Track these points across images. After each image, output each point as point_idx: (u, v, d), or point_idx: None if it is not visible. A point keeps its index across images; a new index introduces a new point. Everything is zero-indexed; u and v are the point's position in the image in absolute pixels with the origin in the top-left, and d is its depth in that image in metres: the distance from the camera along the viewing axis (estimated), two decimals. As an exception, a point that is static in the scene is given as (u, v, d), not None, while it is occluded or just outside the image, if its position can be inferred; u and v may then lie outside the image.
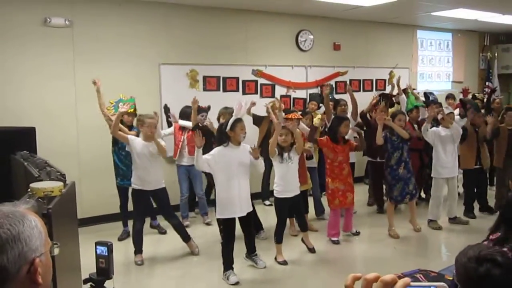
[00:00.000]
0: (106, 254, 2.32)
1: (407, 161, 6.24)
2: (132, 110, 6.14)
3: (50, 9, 6.42)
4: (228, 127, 4.79)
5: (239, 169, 4.84)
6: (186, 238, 5.71)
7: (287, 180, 5.38)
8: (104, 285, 2.37)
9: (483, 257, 1.80)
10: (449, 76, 11.31)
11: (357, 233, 6.32)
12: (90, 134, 6.76)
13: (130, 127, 6.24)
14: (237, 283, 4.87)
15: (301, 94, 8.76)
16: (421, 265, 4.68)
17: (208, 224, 6.87)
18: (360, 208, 7.50)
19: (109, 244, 2.33)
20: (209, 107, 6.82)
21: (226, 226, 4.92)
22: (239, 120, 4.83)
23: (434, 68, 10.97)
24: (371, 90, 9.59)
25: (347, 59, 9.30)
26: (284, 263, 5.41)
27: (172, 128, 6.61)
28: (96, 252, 2.32)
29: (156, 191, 5.48)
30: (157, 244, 6.17)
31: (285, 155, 5.36)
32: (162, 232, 6.50)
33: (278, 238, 5.50)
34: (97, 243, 2.32)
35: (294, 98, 8.60)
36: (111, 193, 6.81)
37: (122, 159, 6.22)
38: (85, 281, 2.42)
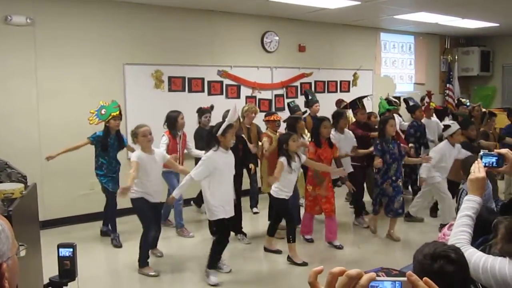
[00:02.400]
0: (71, 255, 2.31)
1: (401, 173, 6.27)
2: (117, 113, 5.96)
3: (11, 7, 6.28)
4: (220, 132, 4.76)
5: (229, 174, 4.93)
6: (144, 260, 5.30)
7: (288, 183, 5.45)
8: (66, 287, 2.35)
9: (438, 254, 1.88)
10: (412, 78, 11.56)
11: (340, 247, 5.98)
12: (52, 134, 6.64)
13: (118, 133, 6.09)
14: (216, 285, 4.87)
15: (267, 95, 8.82)
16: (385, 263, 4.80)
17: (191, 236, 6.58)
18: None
19: (74, 245, 2.32)
20: (212, 107, 6.74)
21: (220, 226, 4.96)
22: (231, 126, 4.81)
23: (397, 70, 11.20)
24: (336, 92, 9.75)
25: (312, 61, 9.40)
26: (304, 264, 5.40)
27: (166, 138, 6.23)
28: (58, 254, 2.30)
29: (157, 203, 5.35)
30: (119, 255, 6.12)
31: (294, 164, 5.36)
32: (118, 246, 6.10)
33: (294, 237, 5.46)
34: (59, 245, 2.31)
35: (259, 99, 8.66)
36: (75, 195, 6.77)
37: (108, 166, 6.06)
38: (45, 286, 2.40)
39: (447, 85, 11.88)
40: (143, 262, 5.22)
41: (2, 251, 1.19)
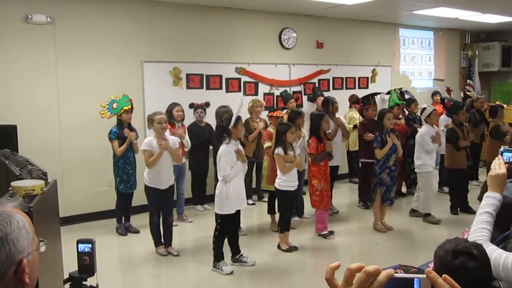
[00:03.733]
0: (90, 251, 2.33)
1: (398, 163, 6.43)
2: (129, 106, 6.16)
3: (31, 6, 6.36)
4: (232, 124, 4.96)
5: (242, 165, 5.11)
6: (167, 241, 5.71)
7: (290, 173, 5.58)
8: (86, 282, 2.37)
9: (459, 250, 1.85)
10: (431, 74, 11.42)
11: (332, 233, 6.23)
12: (73, 132, 6.73)
13: (130, 126, 6.27)
14: (231, 273, 5.06)
15: (285, 91, 8.78)
16: (402, 260, 4.78)
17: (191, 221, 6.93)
18: (343, 207, 7.63)
19: (93, 240, 2.34)
20: (207, 104, 6.90)
21: (225, 220, 5.10)
22: (240, 118, 5.09)
23: (416, 66, 11.07)
24: (354, 88, 9.68)
25: (330, 57, 9.35)
26: (290, 250, 5.68)
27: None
28: (77, 250, 2.32)
29: (169, 188, 5.61)
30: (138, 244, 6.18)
31: (290, 153, 5.54)
32: (136, 231, 6.42)
33: (284, 227, 5.72)
34: (78, 241, 2.33)
35: (277, 96, 8.63)
36: (94, 192, 6.86)
37: (122, 168, 6.23)
38: (65, 281, 2.42)
39: (467, 81, 11.73)
40: (156, 242, 5.65)
41: (23, 247, 1.20)
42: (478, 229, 2.15)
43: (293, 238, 5.92)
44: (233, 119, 4.97)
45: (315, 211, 6.28)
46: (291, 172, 5.58)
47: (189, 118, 7.16)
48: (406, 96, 8.50)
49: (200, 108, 7.03)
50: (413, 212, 6.97)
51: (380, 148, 6.22)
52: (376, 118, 6.89)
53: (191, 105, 7.01)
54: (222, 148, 4.99)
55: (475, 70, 11.80)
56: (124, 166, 6.23)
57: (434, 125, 6.82)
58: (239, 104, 5.07)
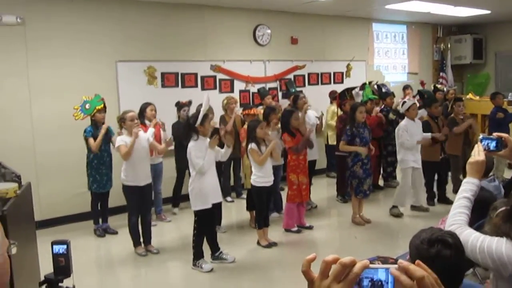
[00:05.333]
0: (65, 252, 2.29)
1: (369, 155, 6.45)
2: (102, 106, 6.13)
3: (0, 6, 6.24)
4: (198, 122, 4.96)
5: (212, 159, 5.09)
6: (146, 240, 5.71)
7: (265, 170, 5.62)
8: (62, 284, 2.34)
9: (435, 239, 1.88)
10: (405, 68, 11.56)
11: (311, 227, 6.34)
12: (46, 133, 6.64)
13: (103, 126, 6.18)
14: (211, 270, 5.07)
15: (261, 88, 8.78)
16: (381, 252, 4.82)
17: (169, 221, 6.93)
18: (322, 201, 7.68)
19: (67, 241, 2.31)
20: (190, 102, 6.88)
21: (203, 216, 5.09)
22: (207, 115, 5.08)
23: (390, 60, 11.19)
24: (329, 83, 9.74)
25: (305, 53, 9.39)
26: (269, 245, 5.73)
27: (153, 130, 6.23)
28: (52, 251, 2.28)
29: (147, 186, 5.58)
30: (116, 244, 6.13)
31: (263, 148, 5.57)
32: (114, 232, 6.39)
33: (261, 223, 5.76)
34: (53, 243, 2.29)
35: (253, 93, 8.64)
36: (71, 194, 6.77)
37: (95, 168, 6.19)
38: (41, 284, 2.38)
39: (441, 73, 11.90)
40: (134, 243, 5.62)
41: None
42: (457, 214, 2.19)
43: (272, 234, 5.96)
44: (199, 116, 4.98)
45: (285, 205, 6.32)
46: (266, 167, 5.61)
47: (172, 116, 7.03)
48: (383, 90, 8.54)
49: (184, 106, 6.91)
50: (414, 208, 7.01)
51: (346, 141, 6.26)
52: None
53: (176, 104, 6.94)
54: (191, 144, 5.01)
55: (448, 63, 11.97)
56: (98, 166, 6.19)
57: (416, 120, 6.80)
58: (205, 101, 5.06)
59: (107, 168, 6.27)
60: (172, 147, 6.59)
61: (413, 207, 7.01)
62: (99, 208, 6.41)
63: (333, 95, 8.87)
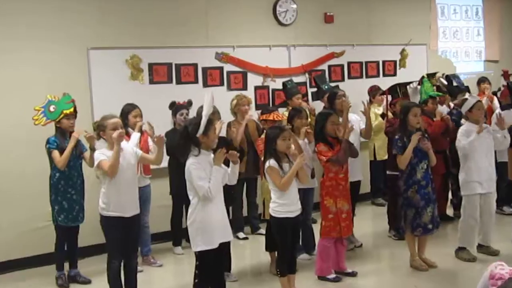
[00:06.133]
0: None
1: (431, 174, 6.34)
2: (71, 109, 6.11)
3: None
4: (200, 131, 4.84)
5: (219, 181, 4.97)
6: None
7: (289, 195, 5.49)
8: None
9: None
10: (481, 54, 11.51)
11: (354, 274, 6.28)
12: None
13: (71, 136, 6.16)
14: None
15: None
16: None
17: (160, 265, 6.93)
18: (368, 238, 7.67)
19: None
20: (189, 103, 6.88)
21: (206, 259, 4.99)
22: (212, 121, 4.94)
23: (460, 43, 11.18)
24: (377, 76, 9.78)
25: (343, 35, 9.39)
26: None
27: (138, 135, 6.45)
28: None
29: (134, 217, 5.46)
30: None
31: (286, 166, 5.47)
32: (86, 281, 6.40)
33: (284, 268, 5.59)
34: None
35: (273, 90, 8.66)
36: (32, 228, 6.83)
37: (62, 191, 6.14)
38: None
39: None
40: None
41: None
42: None
43: (301, 283, 5.89)
44: (202, 123, 4.84)
45: (318, 243, 6.25)
46: (291, 192, 5.49)
47: (165, 123, 7.06)
48: (455, 83, 8.43)
49: (183, 109, 6.95)
50: (480, 248, 6.84)
51: (401, 154, 6.16)
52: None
53: (171, 105, 6.96)
54: (191, 161, 4.87)
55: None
56: (65, 189, 6.13)
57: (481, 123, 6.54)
58: (209, 101, 4.96)
59: (78, 194, 6.23)
60: (165, 164, 6.53)
61: (480, 247, 6.84)
62: (65, 248, 6.34)
63: (373, 92, 8.90)
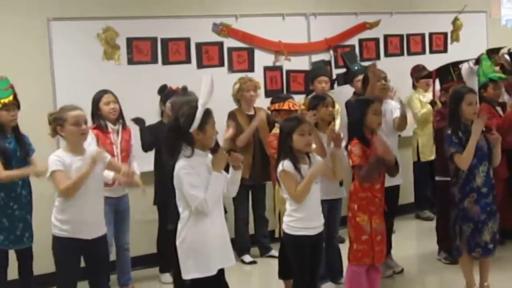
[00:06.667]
0: None
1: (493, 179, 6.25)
2: (10, 98, 6.01)
3: None
4: (195, 125, 4.73)
5: (218, 191, 4.90)
6: None
7: (307, 207, 5.42)
8: None
9: None
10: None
11: None
12: None
13: (17, 132, 6.12)
14: None
15: (302, 63, 8.76)
16: None
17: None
18: (411, 261, 7.62)
19: None
20: (185, 89, 6.83)
21: None
22: (210, 112, 4.83)
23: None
24: (423, 53, 9.78)
25: (378, 0, 9.41)
26: None
27: (91, 136, 6.34)
28: None
29: (99, 240, 5.39)
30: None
31: (305, 168, 5.40)
32: None
33: None
34: None
35: (288, 72, 8.63)
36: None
37: (2, 206, 6.03)
38: None
39: None
40: None
41: None
42: None
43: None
44: (197, 114, 4.75)
45: (346, 268, 6.16)
46: (310, 202, 5.44)
47: (150, 114, 7.08)
48: None
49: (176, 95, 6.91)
50: None
51: (460, 152, 5.99)
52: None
53: (161, 90, 6.95)
54: (180, 164, 4.77)
55: None
56: (6, 204, 6.02)
57: None
58: (207, 87, 4.84)
59: (22, 208, 6.12)
60: (150, 167, 6.66)
61: None
62: (6, 278, 6.23)
63: (418, 74, 8.85)
